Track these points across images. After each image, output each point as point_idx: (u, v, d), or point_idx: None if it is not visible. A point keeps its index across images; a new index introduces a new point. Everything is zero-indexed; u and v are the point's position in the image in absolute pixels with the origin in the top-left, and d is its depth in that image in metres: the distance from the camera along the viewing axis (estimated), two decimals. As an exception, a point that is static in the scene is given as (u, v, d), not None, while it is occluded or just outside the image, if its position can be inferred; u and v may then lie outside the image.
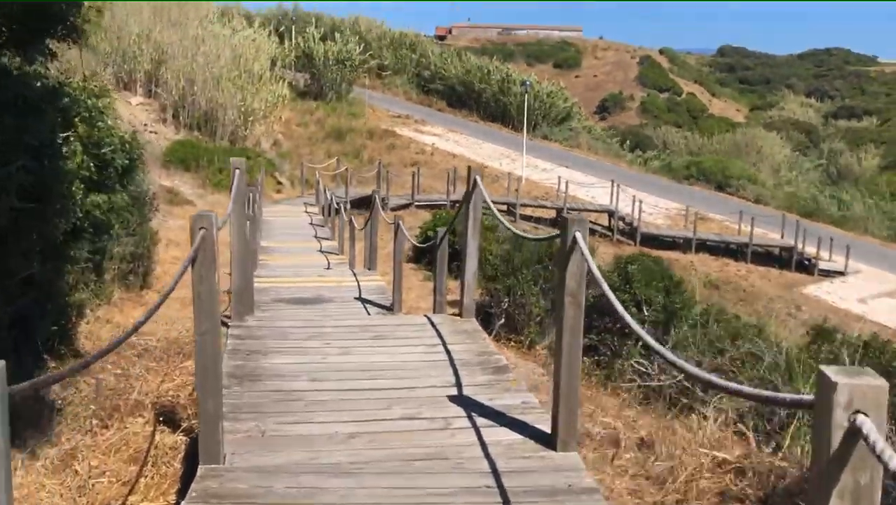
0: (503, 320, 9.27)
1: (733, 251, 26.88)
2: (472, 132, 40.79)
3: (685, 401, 6.33)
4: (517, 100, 44.21)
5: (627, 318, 3.09)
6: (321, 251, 13.06)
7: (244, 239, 4.90)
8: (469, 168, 5.29)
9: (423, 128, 39.50)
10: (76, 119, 4.60)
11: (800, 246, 25.74)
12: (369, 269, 9.72)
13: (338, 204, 13.37)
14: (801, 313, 22.78)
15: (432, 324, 5.41)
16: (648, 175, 38.84)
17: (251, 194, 16.33)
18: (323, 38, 42.15)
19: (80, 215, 4.76)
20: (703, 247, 26.47)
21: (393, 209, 23.22)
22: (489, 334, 9.85)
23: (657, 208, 30.96)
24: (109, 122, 4.97)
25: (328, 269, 11.16)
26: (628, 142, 49.85)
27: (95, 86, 4.99)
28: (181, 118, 26.93)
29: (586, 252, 3.36)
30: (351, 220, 10.81)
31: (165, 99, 27.08)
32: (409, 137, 36.68)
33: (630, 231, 26.86)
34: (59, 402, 5.42)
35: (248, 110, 27.93)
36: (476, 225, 5.39)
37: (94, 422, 4.99)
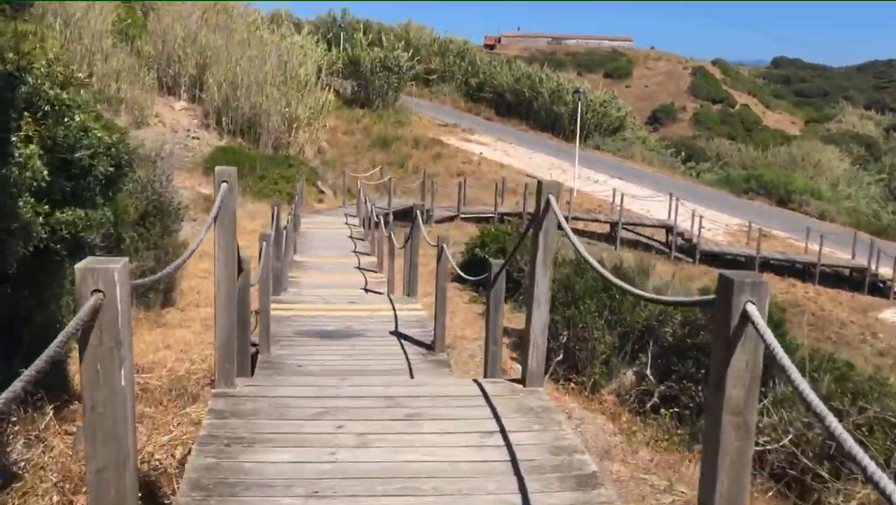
0: (562, 357, 8.09)
1: (799, 271, 25.17)
2: (521, 141, 39.58)
3: (792, 472, 5.09)
4: (569, 109, 42.89)
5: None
6: (358, 267, 12.03)
7: (232, 275, 3.82)
8: (539, 183, 4.08)
9: (471, 137, 38.42)
10: (33, 114, 3.62)
11: (873, 266, 23.92)
12: (409, 294, 8.63)
13: (377, 217, 12.31)
14: (877, 341, 21.05)
15: (485, 395, 4.03)
16: (705, 188, 37.14)
17: (292, 206, 15.50)
18: (371, 45, 41.42)
19: (45, 235, 3.76)
20: (767, 266, 24.78)
21: (437, 221, 22.18)
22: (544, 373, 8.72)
23: (716, 223, 29.30)
24: (84, 119, 3.96)
25: (364, 289, 10.11)
26: (682, 153, 48.08)
27: (61, 72, 3.97)
28: (224, 124, 26.31)
29: (769, 337, 2.04)
30: (391, 237, 9.73)
31: (209, 104, 26.50)
32: (456, 146, 35.64)
33: (689, 248, 25.34)
34: (23, 464, 4.40)
35: (293, 117, 27.21)
36: (547, 260, 4.19)
37: (55, 499, 3.96)
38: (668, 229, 25.58)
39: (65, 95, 3.51)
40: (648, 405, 6.71)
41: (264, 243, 5.98)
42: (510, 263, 12.25)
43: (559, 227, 3.97)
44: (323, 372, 5.54)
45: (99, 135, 3.98)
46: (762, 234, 26.64)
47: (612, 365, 7.60)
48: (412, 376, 5.51)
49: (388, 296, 8.78)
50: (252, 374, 5.86)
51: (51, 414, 4.80)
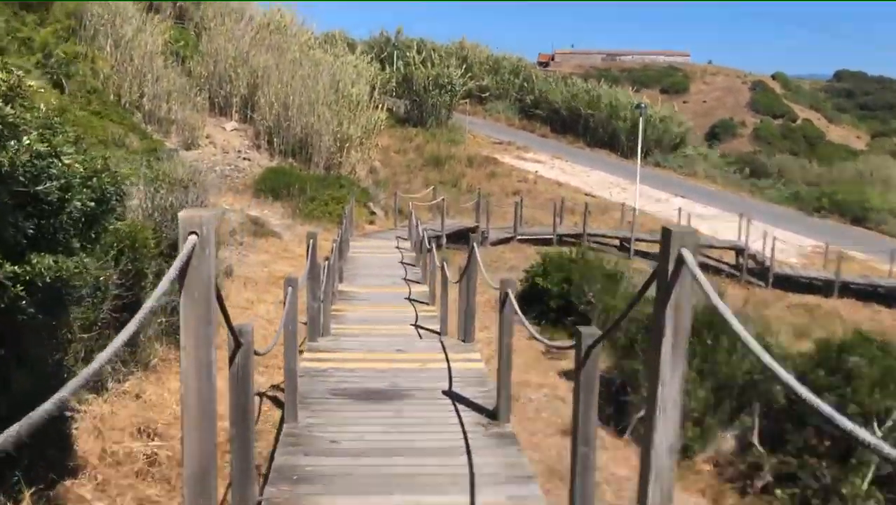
0: (643, 412, 6.92)
1: (883, 296, 23.29)
2: (578, 159, 38.36)
3: None
4: (626, 125, 41.56)
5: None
6: (409, 299, 11.05)
7: (206, 374, 2.84)
8: (666, 232, 2.64)
9: (526, 154, 37.37)
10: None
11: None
12: (465, 339, 7.62)
13: (430, 243, 11.33)
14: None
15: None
16: (773, 206, 35.30)
17: (341, 230, 14.61)
18: (424, 63, 40.81)
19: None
20: (847, 290, 23.04)
21: (493, 244, 21.15)
22: (624, 432, 7.55)
23: (787, 244, 27.61)
24: (51, 143, 3.05)
25: (415, 325, 9.11)
26: (745, 169, 46.11)
27: (3, 80, 3.04)
28: (275, 144, 25.79)
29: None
30: (443, 268, 8.70)
31: (260, 124, 26.04)
32: (511, 165, 34.62)
33: (760, 271, 23.75)
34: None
35: (345, 136, 26.55)
36: (679, 346, 2.67)
37: None
38: (739, 251, 24.03)
39: (8, 110, 2.66)
40: (759, 483, 5.53)
41: (289, 289, 5.03)
42: (576, 294, 11.15)
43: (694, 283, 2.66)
44: (362, 452, 4.53)
45: (68, 162, 3.08)
46: (839, 256, 24.92)
47: (707, 427, 6.41)
48: (470, 458, 4.47)
49: (441, 341, 7.69)
50: (274, 447, 4.91)
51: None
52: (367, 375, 6.28)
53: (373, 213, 23.14)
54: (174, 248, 9.48)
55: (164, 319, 8.94)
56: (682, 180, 37.22)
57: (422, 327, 9.26)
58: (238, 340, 3.50)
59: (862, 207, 33.35)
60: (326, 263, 8.84)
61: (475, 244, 6.93)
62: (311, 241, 6.89)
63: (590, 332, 3.58)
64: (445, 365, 6.60)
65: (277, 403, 6.50)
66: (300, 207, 21.19)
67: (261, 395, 7.36)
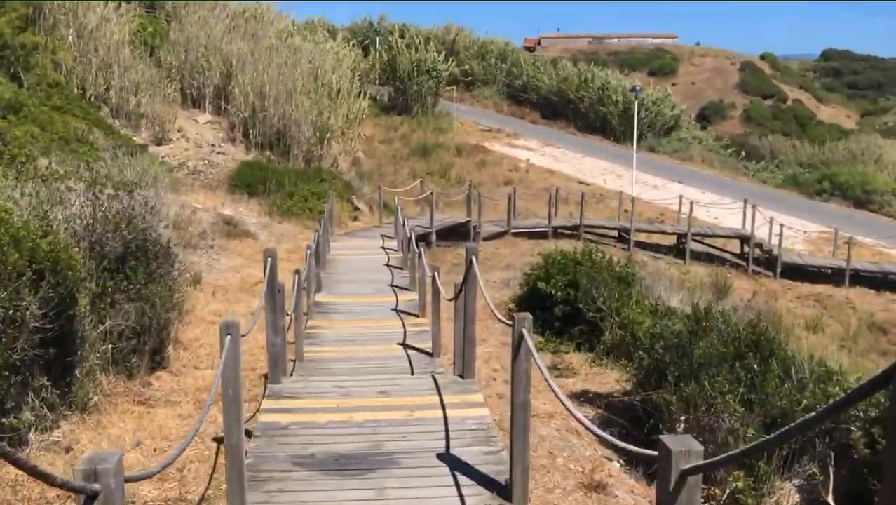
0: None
1: (895, 284, 22.21)
2: (569, 145, 37.08)
3: None
4: (618, 109, 40.31)
5: None
6: (396, 310, 9.78)
7: None
8: None
9: (516, 142, 36.06)
10: None
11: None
12: (462, 374, 6.37)
13: (418, 246, 10.04)
14: None
15: None
16: (773, 190, 34.16)
17: (317, 234, 13.28)
18: (407, 48, 39.35)
19: None
20: (858, 278, 21.94)
21: (486, 238, 19.87)
22: (654, 477, 6.33)
23: (792, 230, 26.47)
24: None
25: (403, 344, 7.85)
26: (743, 153, 45.00)
27: None
28: (251, 137, 24.38)
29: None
30: (435, 279, 7.41)
31: (234, 116, 24.60)
32: (501, 153, 33.31)
33: (767, 260, 22.60)
34: None
35: (325, 126, 25.15)
36: None
37: None
38: (744, 240, 22.85)
39: None
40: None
41: (227, 338, 3.78)
42: (583, 300, 9.90)
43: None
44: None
45: None
46: (849, 243, 23.83)
47: (761, 474, 5.19)
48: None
49: (434, 377, 6.36)
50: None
51: None
52: (340, 432, 4.98)
53: (356, 208, 21.81)
54: (122, 261, 8.02)
55: (110, 346, 7.66)
56: (677, 165, 36.03)
57: (411, 347, 8.01)
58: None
59: (864, 190, 32.28)
60: (297, 276, 7.54)
61: (473, 257, 5.64)
62: (269, 259, 5.59)
63: (683, 446, 2.30)
64: (440, 413, 5.31)
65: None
66: (278, 204, 19.86)
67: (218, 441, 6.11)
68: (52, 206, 6.93)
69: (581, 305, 9.44)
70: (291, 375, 6.72)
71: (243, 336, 4.11)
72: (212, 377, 9.26)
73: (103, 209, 7.36)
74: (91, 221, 7.24)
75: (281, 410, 5.47)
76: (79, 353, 6.57)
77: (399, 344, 8.08)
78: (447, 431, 5.01)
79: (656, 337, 6.84)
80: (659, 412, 6.19)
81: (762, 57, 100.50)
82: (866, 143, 47.07)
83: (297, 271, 7.56)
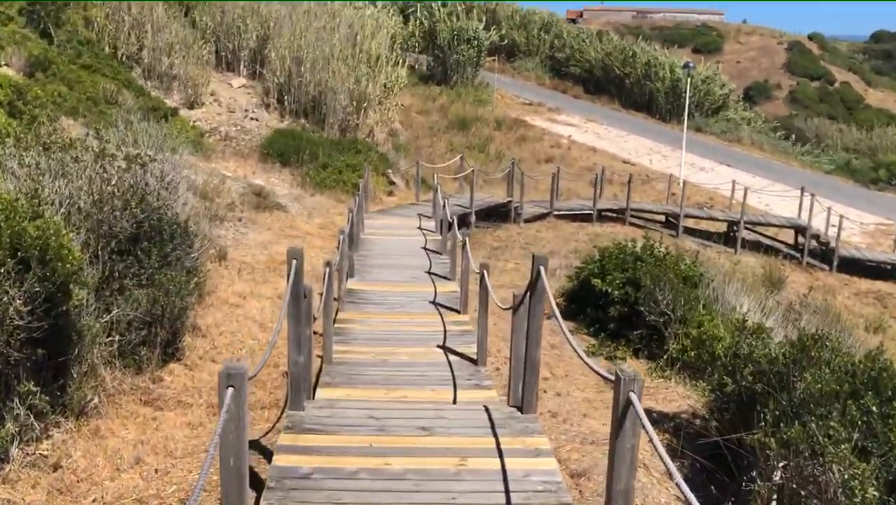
0: (783, 515, 4.76)
1: (961, 283, 20.81)
2: (613, 122, 35.71)
3: None
4: (665, 86, 38.74)
5: None
6: (434, 303, 8.89)
7: None
8: None
9: (558, 117, 34.79)
10: None
11: None
12: (521, 407, 5.25)
13: (461, 234, 9.10)
14: None
15: None
16: (825, 177, 32.56)
17: (352, 213, 12.35)
18: (449, 16, 38.08)
19: None
20: (921, 276, 20.61)
21: (527, 220, 18.87)
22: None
23: (848, 221, 25.06)
24: None
25: (443, 347, 6.96)
26: (793, 136, 43.20)
27: None
28: (286, 103, 23.49)
29: None
30: (483, 279, 6.49)
31: (270, 81, 23.70)
32: (543, 128, 32.10)
33: (822, 252, 21.32)
34: None
35: (362, 95, 24.15)
36: None
37: None
38: (799, 230, 21.55)
39: None
40: None
41: (229, 390, 2.91)
42: (645, 301, 8.91)
43: None
44: None
45: None
46: (909, 236, 22.45)
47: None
48: None
49: (487, 411, 5.38)
50: None
51: None
52: (375, 487, 4.04)
53: (392, 182, 20.89)
54: (134, 242, 7.18)
55: (116, 338, 6.87)
56: (725, 147, 34.53)
57: (452, 351, 7.12)
58: None
59: (924, 180, 30.62)
60: (328, 269, 6.66)
61: (542, 268, 4.69)
62: (295, 262, 4.70)
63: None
64: (497, 462, 4.38)
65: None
66: (311, 175, 19.00)
67: None
68: (55, 180, 6.10)
69: (641, 307, 8.44)
70: (316, 384, 5.85)
71: (251, 378, 3.25)
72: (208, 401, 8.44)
73: (112, 184, 6.52)
74: (98, 198, 6.41)
75: (302, 451, 4.57)
76: (76, 350, 5.77)
77: (439, 347, 7.20)
78: (507, 491, 4.08)
79: (743, 359, 5.84)
80: (750, 453, 5.21)
81: (810, 37, 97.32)
82: (918, 131, 45.38)
83: (328, 263, 6.68)
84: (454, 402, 5.86)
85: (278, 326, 4.32)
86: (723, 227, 22.15)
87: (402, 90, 28.53)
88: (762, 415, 5.20)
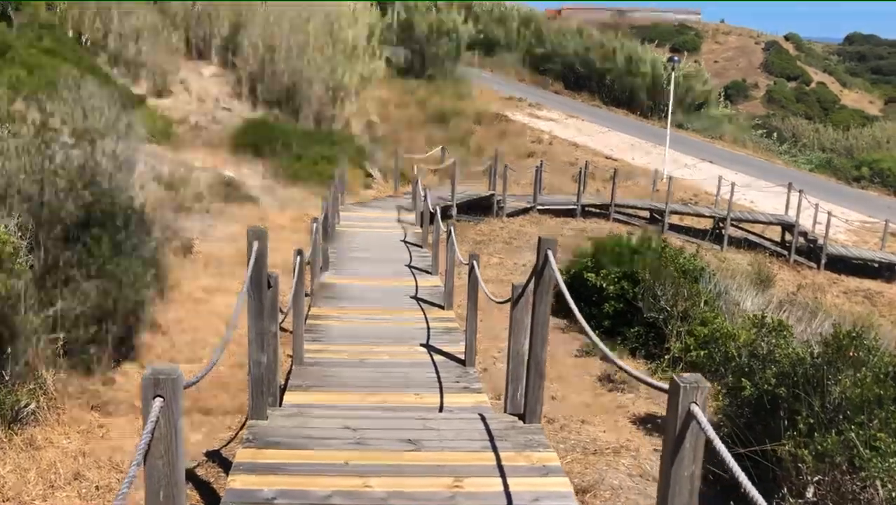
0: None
1: (948, 282, 20.51)
2: (594, 118, 35.21)
3: None
4: (646, 82, 38.33)
5: None
6: (416, 298, 8.22)
7: None
8: None
9: (539, 112, 34.21)
10: None
11: None
12: (524, 417, 4.52)
13: (445, 223, 8.44)
14: None
15: None
16: (807, 175, 32.30)
17: (327, 202, 11.61)
18: (427, 9, 37.35)
19: None
20: (908, 273, 20.28)
21: (510, 214, 18.25)
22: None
23: (833, 219, 24.76)
24: None
25: (426, 345, 6.29)
26: (775, 134, 43.06)
27: None
28: (259, 93, 22.65)
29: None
30: (473, 271, 5.84)
31: (242, 70, 22.85)
32: (523, 123, 31.50)
33: (808, 249, 20.93)
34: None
35: (339, 85, 23.38)
36: None
37: None
38: (786, 227, 21.14)
39: None
40: None
41: (157, 401, 2.23)
42: (644, 297, 8.30)
43: None
44: None
45: None
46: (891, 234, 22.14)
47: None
48: None
49: (484, 421, 4.70)
50: None
51: None
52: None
53: (369, 175, 20.16)
54: (84, 226, 6.40)
55: (62, 334, 6.13)
56: (707, 144, 34.18)
57: (438, 350, 6.46)
58: None
59: (906, 178, 30.47)
60: (299, 258, 5.96)
61: (550, 252, 4.03)
62: (257, 244, 4.00)
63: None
64: (499, 484, 3.68)
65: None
66: (284, 167, 18.22)
67: None
68: (-13, 156, 5.35)
69: (640, 303, 7.84)
70: (285, 387, 5.16)
71: (190, 386, 2.57)
72: (190, 373, 7.75)
73: (56, 162, 5.77)
74: (39, 178, 5.66)
75: (263, 470, 3.85)
76: (8, 349, 5.04)
77: (422, 346, 6.53)
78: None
79: (761, 359, 5.24)
80: (775, 465, 4.60)
81: (787, 38, 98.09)
82: (892, 131, 45.58)
83: (300, 251, 5.98)
84: (441, 407, 5.19)
85: (234, 319, 3.63)
86: (708, 224, 21.69)
87: (379, 83, 27.79)
88: (789, 422, 4.60)
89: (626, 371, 3.41)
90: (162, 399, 2.36)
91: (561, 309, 9.93)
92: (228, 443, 5.56)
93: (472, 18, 40.77)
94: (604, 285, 8.22)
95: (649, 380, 3.28)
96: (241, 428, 5.76)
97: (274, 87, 22.74)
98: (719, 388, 5.66)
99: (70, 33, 20.29)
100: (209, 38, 23.93)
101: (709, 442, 2.37)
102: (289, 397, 5.44)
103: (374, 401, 5.36)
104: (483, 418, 4.52)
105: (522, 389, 4.47)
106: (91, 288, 6.25)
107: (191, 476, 4.85)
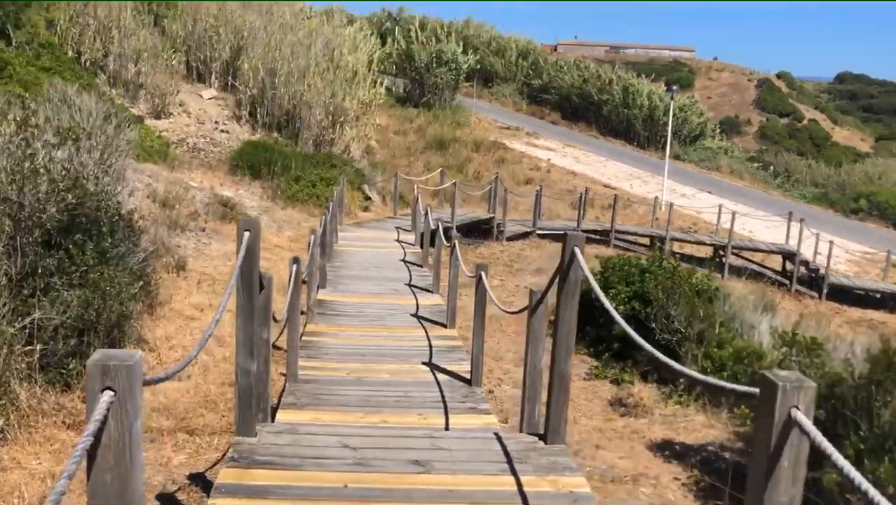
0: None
1: (951, 314, 20.21)
2: (591, 148, 35.13)
3: None
4: (643, 113, 38.35)
5: None
6: (416, 316, 7.86)
7: None
8: None
9: (537, 141, 34.13)
10: None
11: None
12: (545, 438, 4.09)
13: (448, 238, 8.13)
14: None
15: None
16: (804, 206, 32.16)
17: (325, 217, 11.32)
18: (427, 39, 37.46)
19: None
20: (911, 305, 19.99)
21: (509, 238, 17.95)
22: None
23: (834, 249, 24.50)
24: None
25: (429, 365, 5.93)
26: (772, 167, 43.09)
27: None
28: (259, 116, 22.46)
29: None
30: (481, 281, 5.51)
31: (242, 93, 22.68)
32: (521, 151, 31.38)
33: (811, 279, 20.65)
34: None
35: (339, 110, 23.20)
36: None
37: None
38: (787, 256, 20.88)
39: None
40: None
41: (104, 396, 1.86)
42: (656, 317, 7.96)
43: None
44: None
45: None
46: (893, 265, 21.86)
47: None
48: None
49: (500, 440, 4.10)
50: None
51: None
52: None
53: (368, 198, 19.88)
54: (67, 232, 6.03)
55: (38, 346, 5.75)
56: (704, 174, 34.09)
57: (441, 369, 6.10)
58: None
59: (905, 211, 30.35)
60: (295, 266, 5.62)
61: (576, 248, 3.71)
62: (248, 234, 3.65)
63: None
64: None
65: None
66: (282, 188, 17.94)
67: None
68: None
69: (652, 324, 7.49)
70: (278, 405, 4.79)
71: (155, 382, 2.23)
72: (178, 392, 7.35)
73: (37, 162, 5.44)
74: (19, 178, 5.32)
75: (250, 493, 3.42)
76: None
77: (424, 364, 6.17)
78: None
79: (818, 375, 4.85)
80: (816, 495, 4.23)
81: (778, 75, 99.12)
82: (884, 167, 45.92)
83: (296, 259, 5.64)
84: (447, 428, 4.81)
85: (219, 313, 3.26)
86: (708, 252, 21.42)
87: (378, 108, 27.65)
88: (852, 444, 4.23)
89: (699, 381, 3.04)
90: (113, 393, 1.95)
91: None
92: (215, 465, 5.17)
93: (470, 50, 40.88)
94: (613, 306, 7.87)
95: (731, 386, 2.91)
96: (230, 449, 5.38)
97: (273, 110, 22.58)
98: (746, 410, 5.29)
99: (69, 53, 20.11)
100: (210, 62, 23.82)
101: (819, 456, 1.95)
102: (281, 416, 5.07)
103: (374, 421, 4.99)
104: (499, 438, 4.13)
105: (540, 407, 4.10)
106: (72, 297, 5.90)
107: (171, 501, 4.47)
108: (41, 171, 5.31)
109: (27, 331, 5.64)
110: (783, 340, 5.29)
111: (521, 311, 4.62)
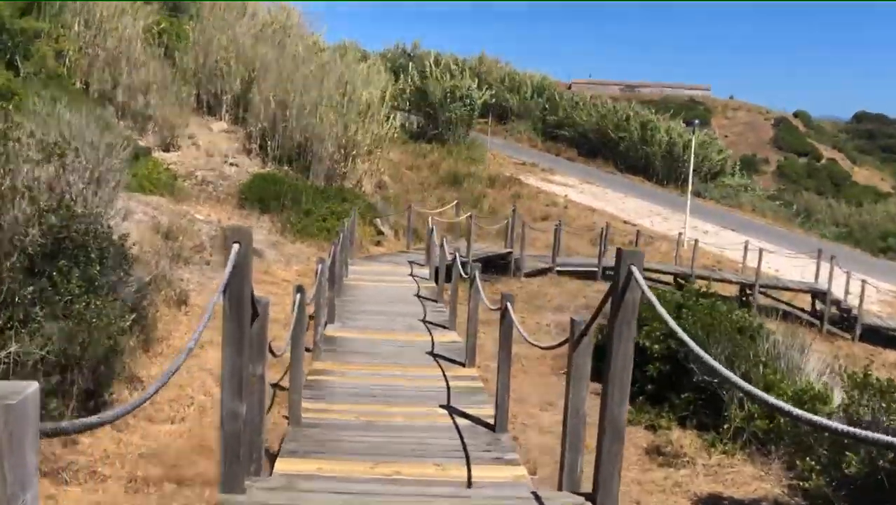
0: None
1: None
2: (610, 184, 34.59)
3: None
4: (662, 150, 37.86)
5: None
6: (432, 354, 7.20)
7: None
8: None
9: (553, 177, 33.64)
10: None
11: None
12: (595, 498, 3.30)
13: (468, 271, 7.51)
14: None
15: None
16: (830, 244, 31.35)
17: (335, 246, 10.78)
18: (441, 75, 37.30)
19: None
20: (948, 347, 19.08)
21: (528, 274, 17.29)
22: None
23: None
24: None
25: (447, 408, 5.27)
26: (794, 207, 42.43)
27: None
28: (269, 149, 22.06)
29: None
30: (507, 314, 4.88)
31: (253, 126, 22.32)
32: (537, 187, 30.86)
33: (842, 319, 19.81)
34: None
35: (351, 144, 22.78)
36: None
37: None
38: (816, 295, 20.08)
39: None
40: None
41: None
42: (691, 356, 7.26)
43: None
44: None
45: None
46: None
47: None
48: None
49: (539, 499, 3.63)
50: None
51: None
52: None
53: (380, 232, 19.33)
54: (52, 258, 5.46)
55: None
56: (726, 212, 33.40)
57: (461, 413, 5.43)
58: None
59: (934, 250, 29.49)
60: (299, 296, 5.01)
61: (633, 267, 3.08)
62: (237, 246, 3.02)
63: None
64: None
65: None
66: (292, 222, 17.43)
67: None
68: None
69: (690, 364, 6.80)
70: (278, 453, 4.14)
71: (98, 426, 1.52)
72: (170, 435, 6.70)
73: (19, 180, 4.89)
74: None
75: None
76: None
77: (442, 407, 5.52)
78: None
79: (865, 428, 4.17)
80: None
81: (795, 115, 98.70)
82: (906, 207, 45.34)
83: (300, 288, 5.03)
84: (469, 482, 4.14)
85: (198, 332, 2.64)
86: (733, 291, 20.64)
87: (391, 144, 27.28)
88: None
89: (820, 425, 2.37)
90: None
91: (594, 371, 8.90)
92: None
93: (485, 86, 40.74)
94: (647, 344, 7.20)
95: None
96: None
97: (284, 143, 22.17)
98: (812, 463, 4.58)
99: (78, 84, 19.86)
100: (220, 95, 23.53)
101: None
102: (281, 465, 4.42)
103: (386, 472, 4.34)
104: (538, 498, 3.45)
105: (581, 458, 3.45)
106: (55, 330, 5.29)
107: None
108: (23, 189, 4.75)
109: (3, 366, 5.04)
110: (853, 381, 4.61)
111: (559, 345, 3.98)
